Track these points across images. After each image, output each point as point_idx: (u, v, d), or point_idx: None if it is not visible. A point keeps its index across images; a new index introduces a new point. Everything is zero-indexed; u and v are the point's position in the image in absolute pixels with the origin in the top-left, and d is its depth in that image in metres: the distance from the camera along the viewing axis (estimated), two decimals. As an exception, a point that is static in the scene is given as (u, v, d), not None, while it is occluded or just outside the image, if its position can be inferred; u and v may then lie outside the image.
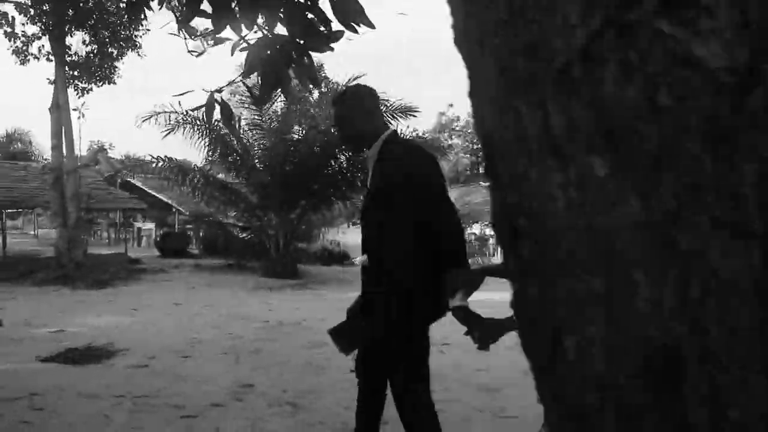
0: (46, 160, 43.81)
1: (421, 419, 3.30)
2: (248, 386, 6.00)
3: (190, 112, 15.47)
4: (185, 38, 4.99)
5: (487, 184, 0.74)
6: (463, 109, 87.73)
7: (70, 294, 12.40)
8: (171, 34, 5.12)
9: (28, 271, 14.22)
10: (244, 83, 3.19)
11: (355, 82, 3.19)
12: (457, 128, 61.50)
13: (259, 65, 3.12)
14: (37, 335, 8.41)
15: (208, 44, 5.19)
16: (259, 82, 3.18)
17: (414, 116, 15.59)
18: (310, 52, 3.11)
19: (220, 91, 3.29)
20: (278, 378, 6.30)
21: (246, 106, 17.11)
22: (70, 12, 14.62)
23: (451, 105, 63.47)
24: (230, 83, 3.25)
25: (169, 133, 15.25)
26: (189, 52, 5.32)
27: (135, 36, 15.64)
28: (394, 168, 2.92)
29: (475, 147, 61.65)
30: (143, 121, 15.38)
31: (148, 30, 15.81)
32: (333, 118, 3.31)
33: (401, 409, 3.31)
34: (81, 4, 14.75)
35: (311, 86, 3.38)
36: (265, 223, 16.54)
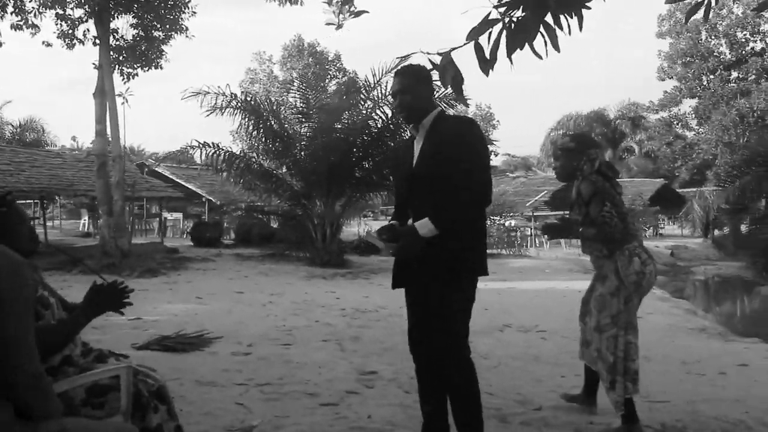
0: (54, 147, 43.32)
1: (474, 373, 3.48)
2: (371, 373, 5.73)
3: (238, 95, 15.18)
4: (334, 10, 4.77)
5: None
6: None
7: (126, 282, 12.05)
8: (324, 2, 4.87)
9: (74, 260, 13.90)
10: (476, 46, 2.89)
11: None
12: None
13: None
14: (117, 323, 8.05)
15: (345, 17, 4.94)
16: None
17: (467, 105, 15.22)
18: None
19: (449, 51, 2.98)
20: (396, 364, 6.00)
21: (288, 91, 16.82)
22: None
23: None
24: (462, 46, 2.95)
25: (211, 113, 14.89)
26: (327, 24, 5.05)
27: (181, 18, 15.22)
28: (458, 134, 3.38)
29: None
30: (187, 98, 14.93)
31: (195, 13, 15.36)
32: (396, 86, 3.53)
33: (458, 365, 3.42)
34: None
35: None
36: (311, 211, 16.14)
